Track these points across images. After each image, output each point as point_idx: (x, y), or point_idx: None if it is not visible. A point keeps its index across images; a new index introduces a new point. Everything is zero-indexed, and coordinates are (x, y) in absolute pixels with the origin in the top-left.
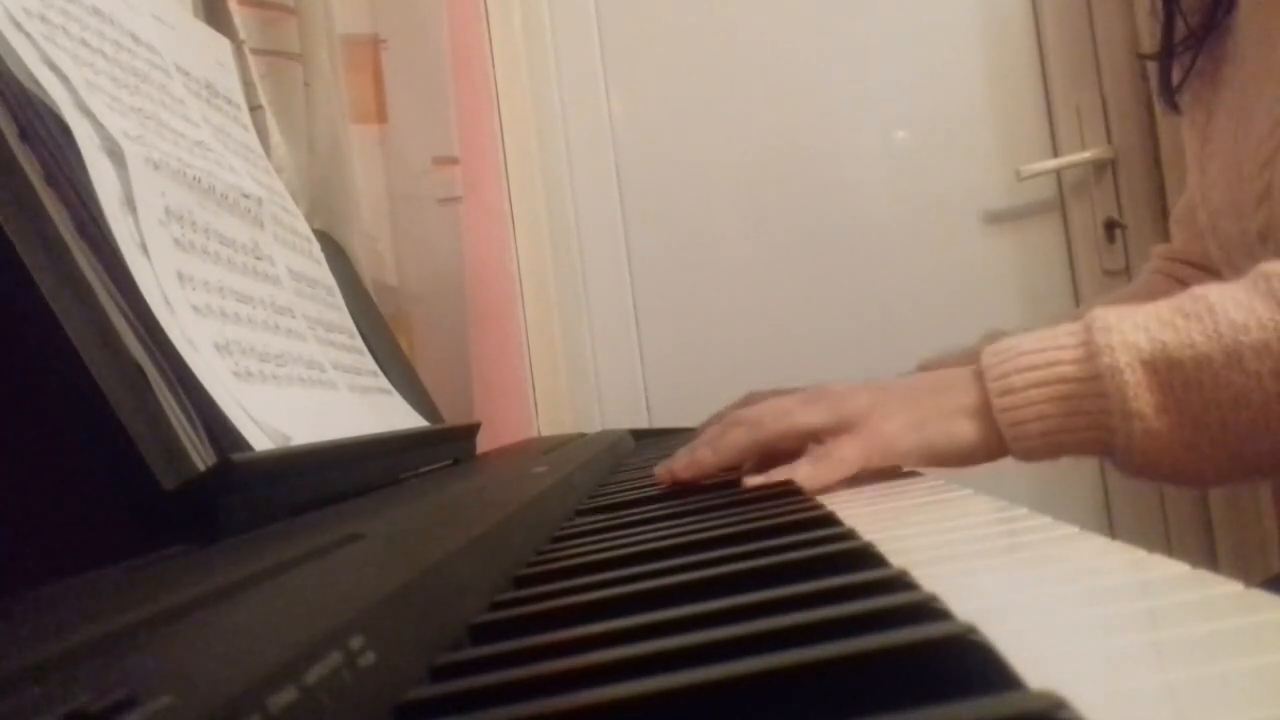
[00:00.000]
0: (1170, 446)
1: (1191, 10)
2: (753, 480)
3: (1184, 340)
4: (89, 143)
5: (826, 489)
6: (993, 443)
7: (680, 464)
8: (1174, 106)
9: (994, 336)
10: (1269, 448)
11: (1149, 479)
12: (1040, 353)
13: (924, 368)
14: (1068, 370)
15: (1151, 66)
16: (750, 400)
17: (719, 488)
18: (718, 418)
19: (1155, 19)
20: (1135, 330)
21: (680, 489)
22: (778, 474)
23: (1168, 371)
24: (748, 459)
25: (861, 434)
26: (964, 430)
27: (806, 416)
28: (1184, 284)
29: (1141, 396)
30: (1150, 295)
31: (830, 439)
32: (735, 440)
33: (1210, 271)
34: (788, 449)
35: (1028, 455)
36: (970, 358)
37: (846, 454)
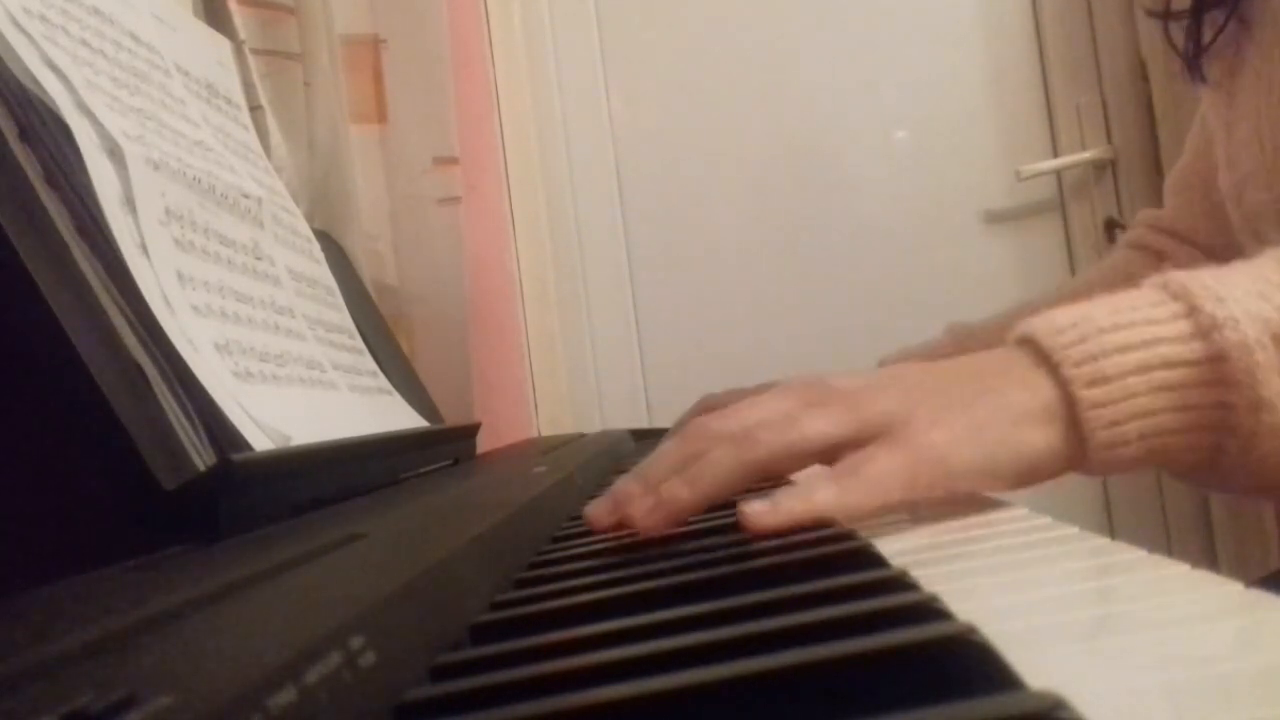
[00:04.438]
0: None
1: None
2: (757, 513)
3: None
4: (89, 143)
5: (862, 518)
6: (1070, 452)
7: (641, 508)
8: (1199, 73)
9: (956, 329)
10: None
11: (1262, 493)
12: (1131, 328)
13: (884, 364)
14: (1175, 351)
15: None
16: (709, 406)
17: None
18: (681, 427)
19: None
20: (1252, 297)
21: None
22: (789, 501)
23: None
24: (738, 491)
25: (902, 444)
26: (1033, 438)
27: (820, 424)
28: (1162, 259)
29: (1273, 382)
30: (1127, 276)
31: (853, 452)
32: (720, 467)
33: (1197, 246)
34: (788, 470)
35: (1111, 466)
36: (936, 353)
37: (886, 470)
